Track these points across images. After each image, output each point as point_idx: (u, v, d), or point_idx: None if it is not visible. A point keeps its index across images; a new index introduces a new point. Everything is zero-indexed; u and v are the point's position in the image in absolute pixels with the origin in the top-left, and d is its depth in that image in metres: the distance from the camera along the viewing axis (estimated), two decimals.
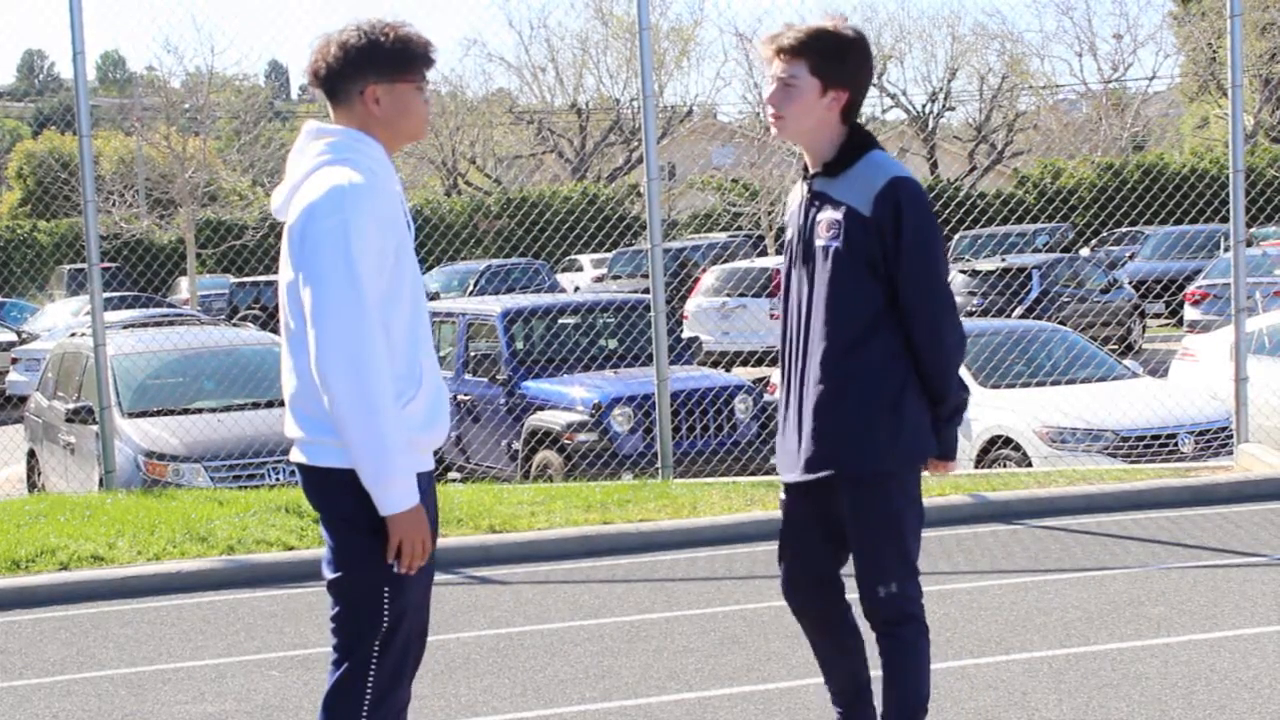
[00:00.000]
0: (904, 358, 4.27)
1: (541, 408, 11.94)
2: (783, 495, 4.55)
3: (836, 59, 4.24)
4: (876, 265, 4.22)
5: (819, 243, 4.29)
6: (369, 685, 3.81)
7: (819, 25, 4.27)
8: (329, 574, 3.87)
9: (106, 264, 28.61)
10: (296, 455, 3.88)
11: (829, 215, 4.27)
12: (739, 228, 35.67)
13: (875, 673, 4.52)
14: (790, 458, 4.41)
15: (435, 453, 4.00)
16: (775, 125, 4.34)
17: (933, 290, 4.23)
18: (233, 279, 31.66)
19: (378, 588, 3.79)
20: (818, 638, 4.58)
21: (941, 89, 46.71)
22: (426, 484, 3.89)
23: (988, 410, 11.43)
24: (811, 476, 4.34)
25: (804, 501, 4.44)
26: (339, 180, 3.73)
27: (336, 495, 3.81)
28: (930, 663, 4.42)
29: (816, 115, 4.27)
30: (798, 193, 4.47)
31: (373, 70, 3.82)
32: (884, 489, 4.29)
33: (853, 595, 4.49)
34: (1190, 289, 20.93)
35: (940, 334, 4.25)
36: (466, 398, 12.64)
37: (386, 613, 3.80)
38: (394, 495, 3.71)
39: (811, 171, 4.38)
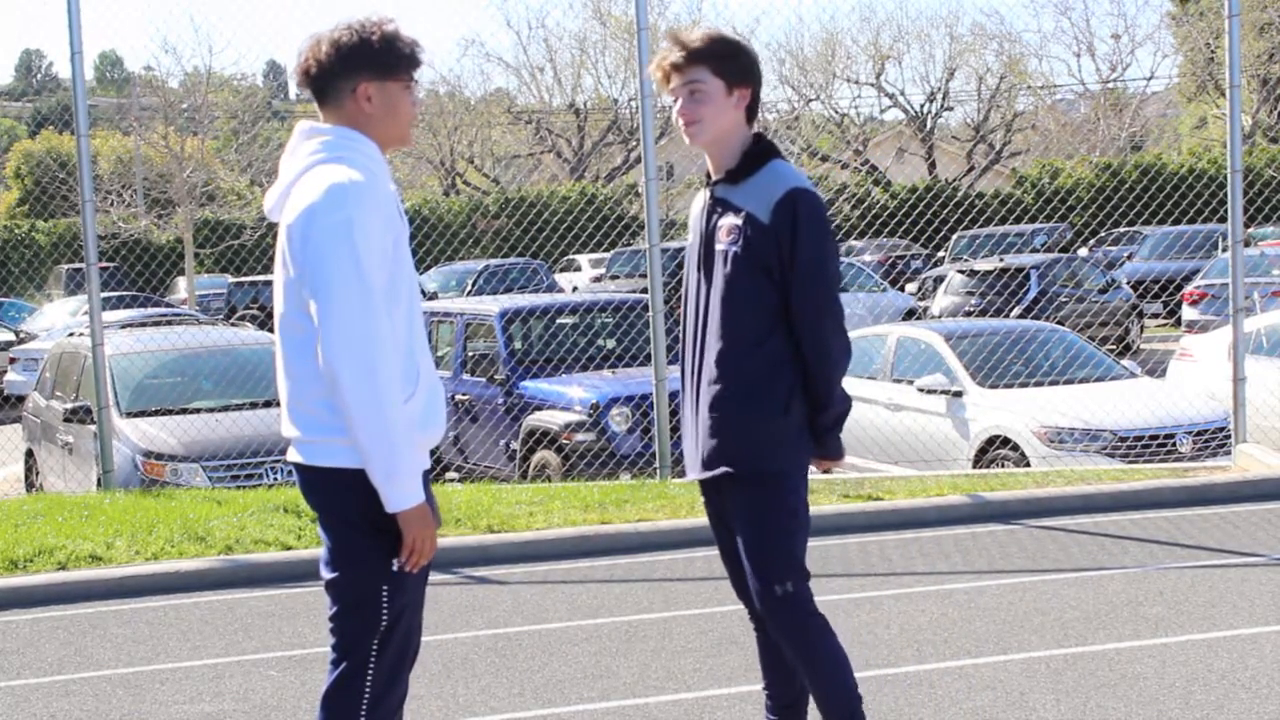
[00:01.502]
0: (797, 360, 4.38)
1: (540, 408, 11.94)
2: (703, 499, 4.67)
3: (732, 58, 4.40)
4: (772, 271, 4.33)
5: (719, 247, 4.41)
6: (367, 684, 3.82)
7: (706, 32, 4.43)
8: (327, 574, 3.87)
9: (104, 264, 28.62)
10: (294, 455, 3.88)
11: (729, 221, 4.39)
12: None
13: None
14: (691, 455, 4.54)
15: (432, 452, 4.00)
16: (689, 132, 4.44)
17: (822, 300, 4.33)
18: (231, 279, 31.69)
19: (376, 587, 3.80)
20: (765, 642, 4.63)
21: (940, 89, 46.68)
22: (424, 483, 3.90)
23: (986, 410, 11.43)
24: (709, 474, 4.45)
25: (717, 498, 4.55)
26: (339, 178, 3.73)
27: (334, 495, 3.81)
28: (842, 651, 4.42)
29: (728, 115, 4.40)
30: (700, 199, 4.58)
31: (365, 68, 3.83)
32: (777, 487, 4.37)
33: None
34: (1188, 289, 20.93)
35: (826, 343, 4.35)
36: (465, 397, 12.64)
37: (385, 612, 3.81)
38: (403, 492, 3.72)
39: (714, 178, 4.49)
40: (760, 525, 4.38)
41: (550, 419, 11.69)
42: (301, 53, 3.89)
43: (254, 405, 11.62)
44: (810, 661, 4.39)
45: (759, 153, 4.42)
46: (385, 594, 3.80)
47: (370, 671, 3.82)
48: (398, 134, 3.93)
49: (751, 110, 4.44)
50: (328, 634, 3.89)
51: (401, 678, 3.92)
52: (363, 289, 3.66)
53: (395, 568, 3.79)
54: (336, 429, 3.75)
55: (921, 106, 46.95)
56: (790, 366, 4.37)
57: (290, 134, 3.94)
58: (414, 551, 3.77)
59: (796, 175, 4.39)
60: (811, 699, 4.48)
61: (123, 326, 16.31)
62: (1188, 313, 20.47)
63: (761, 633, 4.63)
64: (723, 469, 4.40)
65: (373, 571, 3.79)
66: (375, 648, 3.82)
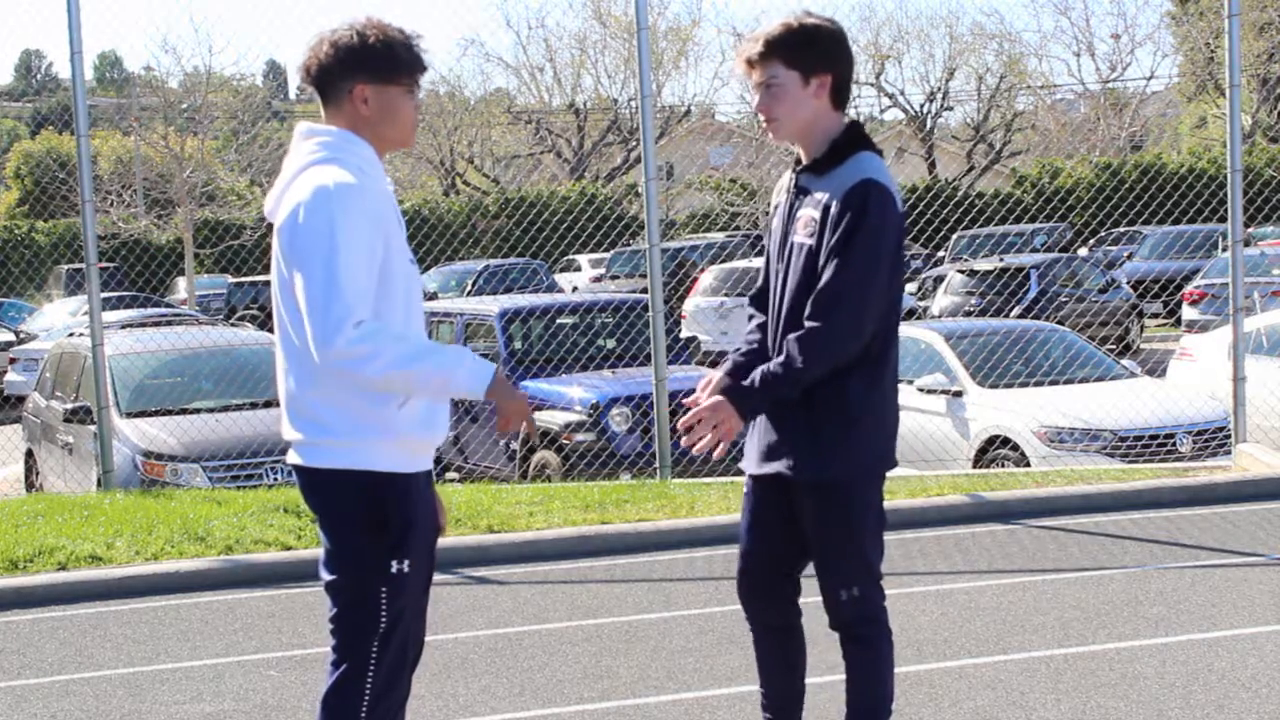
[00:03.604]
0: (867, 365, 4.23)
1: (540, 407, 11.94)
2: (746, 491, 4.54)
3: (805, 46, 4.26)
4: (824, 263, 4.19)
5: (795, 239, 4.30)
6: (368, 684, 3.82)
7: (783, 21, 4.30)
8: (326, 575, 3.87)
9: (104, 264, 28.60)
10: (293, 457, 3.88)
11: (808, 213, 4.28)
12: (737, 228, 35.69)
13: (821, 679, 4.52)
14: (753, 449, 4.43)
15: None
16: (770, 130, 4.35)
17: (859, 287, 4.13)
18: (230, 279, 31.68)
19: (375, 588, 3.80)
20: (765, 644, 4.57)
21: (939, 89, 46.69)
22: (425, 484, 3.90)
23: (986, 410, 11.43)
24: (766, 469, 4.34)
25: (767, 496, 4.43)
26: (326, 180, 3.73)
27: (333, 496, 3.81)
28: (893, 666, 4.41)
29: (808, 106, 4.28)
30: (785, 181, 4.47)
31: (363, 70, 3.83)
32: (844, 495, 4.28)
33: (811, 600, 4.52)
34: (1188, 289, 20.93)
35: (827, 337, 4.14)
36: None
37: (384, 613, 3.81)
38: (469, 383, 3.70)
39: (802, 164, 4.38)
40: (828, 533, 4.29)
41: (550, 419, 11.69)
42: (305, 51, 3.89)
43: (254, 405, 11.62)
44: (855, 664, 4.35)
45: (848, 143, 4.28)
46: (384, 595, 3.80)
47: (370, 672, 3.82)
48: (397, 137, 3.92)
49: (838, 94, 4.29)
50: (328, 635, 3.89)
51: (402, 678, 3.92)
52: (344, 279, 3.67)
53: (395, 568, 3.78)
54: (335, 431, 3.76)
55: (921, 106, 46.97)
56: (863, 370, 4.21)
57: (290, 134, 3.95)
58: (514, 421, 3.77)
59: (880, 169, 4.24)
60: (845, 701, 4.43)
61: (123, 326, 16.31)
62: (1188, 312, 20.47)
63: (761, 636, 4.57)
64: (779, 468, 4.30)
65: (372, 572, 3.79)
66: (375, 649, 3.82)
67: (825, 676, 5.43)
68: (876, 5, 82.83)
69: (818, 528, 4.31)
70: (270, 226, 3.87)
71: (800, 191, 4.35)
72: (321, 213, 3.68)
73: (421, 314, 3.96)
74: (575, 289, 29.17)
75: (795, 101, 4.26)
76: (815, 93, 4.27)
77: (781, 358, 4.21)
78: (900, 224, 4.23)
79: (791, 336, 4.20)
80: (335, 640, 3.87)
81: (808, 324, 4.18)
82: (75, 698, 6.35)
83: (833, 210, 4.19)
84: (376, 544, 3.77)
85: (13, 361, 21.88)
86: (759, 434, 4.39)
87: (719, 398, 4.26)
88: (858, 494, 4.29)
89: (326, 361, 3.65)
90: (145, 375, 12.31)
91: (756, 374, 4.24)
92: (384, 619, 3.81)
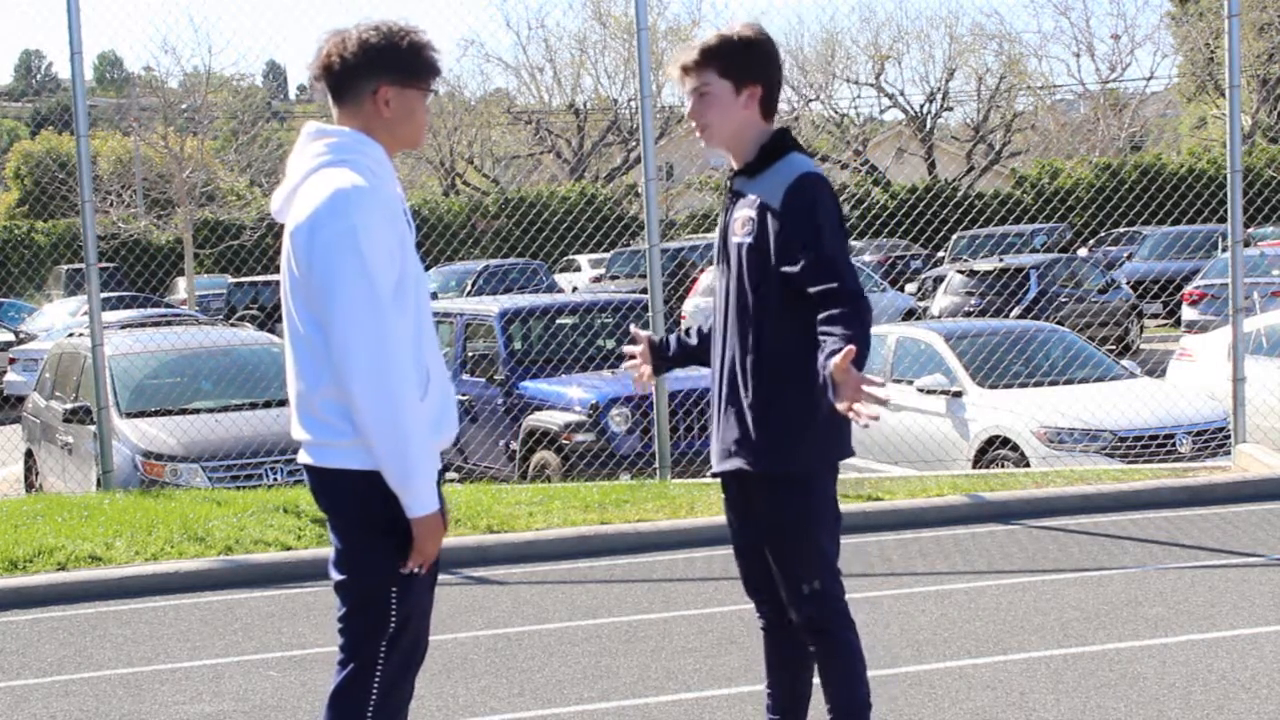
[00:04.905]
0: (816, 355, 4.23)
1: (539, 408, 11.94)
2: (724, 494, 4.61)
3: (739, 58, 4.36)
4: (783, 257, 4.24)
5: (734, 240, 4.39)
6: (375, 684, 3.82)
7: (718, 33, 4.40)
8: (336, 575, 3.86)
9: (104, 264, 28.58)
10: (304, 457, 3.87)
11: (744, 213, 4.37)
12: None
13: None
14: (715, 449, 4.49)
15: (441, 455, 4.00)
16: (702, 136, 4.44)
17: (834, 278, 4.17)
18: (230, 279, 31.66)
19: (386, 589, 3.79)
20: (770, 641, 4.62)
21: (939, 89, 46.68)
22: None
23: (985, 410, 11.43)
24: (727, 466, 4.40)
25: (739, 496, 4.50)
26: (342, 184, 3.71)
27: (343, 497, 3.81)
28: (864, 658, 4.44)
29: (737, 115, 4.37)
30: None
31: (388, 72, 3.82)
32: (801, 488, 4.32)
33: None
34: (1188, 289, 20.94)
35: (855, 301, 4.13)
36: (464, 398, 12.63)
37: (394, 613, 3.81)
38: (421, 497, 3.72)
39: (734, 170, 4.47)
40: (786, 524, 4.33)
41: (550, 419, 11.69)
42: (322, 47, 3.86)
43: (253, 405, 11.61)
44: (827, 660, 4.38)
45: (775, 146, 4.38)
46: (394, 596, 3.80)
47: (378, 672, 3.82)
48: (410, 138, 3.93)
49: (767, 105, 4.39)
50: (330, 634, 3.91)
51: (408, 679, 3.93)
52: (372, 295, 3.65)
53: (405, 570, 3.79)
54: (345, 431, 3.75)
55: (921, 106, 46.96)
56: (810, 362, 4.21)
57: (290, 134, 3.94)
58: (416, 557, 3.77)
59: (810, 164, 4.35)
60: (824, 701, 4.45)
61: (123, 327, 16.33)
62: (1187, 313, 20.47)
63: (768, 633, 4.61)
64: (737, 465, 4.36)
65: (382, 573, 3.79)
66: (384, 649, 3.81)
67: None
68: (877, 5, 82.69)
69: (776, 522, 4.36)
70: (272, 226, 3.87)
71: (735, 196, 4.44)
72: (343, 220, 3.66)
73: (431, 316, 3.95)
74: (575, 289, 29.17)
75: (725, 109, 4.37)
76: (745, 103, 4.37)
77: (839, 331, 4.09)
78: (840, 213, 4.32)
79: (826, 323, 4.12)
80: (343, 640, 3.86)
81: (835, 312, 4.13)
82: (75, 698, 6.35)
83: (774, 208, 4.26)
84: (385, 544, 3.77)
85: (13, 361, 21.88)
86: (720, 433, 4.45)
87: (836, 365, 4.02)
88: (816, 486, 4.34)
89: (342, 373, 3.68)
90: (145, 375, 12.31)
91: (834, 342, 4.09)
92: (394, 619, 3.81)
